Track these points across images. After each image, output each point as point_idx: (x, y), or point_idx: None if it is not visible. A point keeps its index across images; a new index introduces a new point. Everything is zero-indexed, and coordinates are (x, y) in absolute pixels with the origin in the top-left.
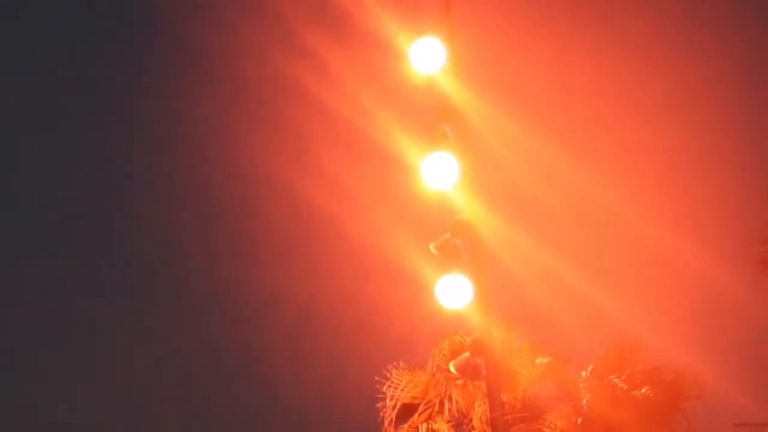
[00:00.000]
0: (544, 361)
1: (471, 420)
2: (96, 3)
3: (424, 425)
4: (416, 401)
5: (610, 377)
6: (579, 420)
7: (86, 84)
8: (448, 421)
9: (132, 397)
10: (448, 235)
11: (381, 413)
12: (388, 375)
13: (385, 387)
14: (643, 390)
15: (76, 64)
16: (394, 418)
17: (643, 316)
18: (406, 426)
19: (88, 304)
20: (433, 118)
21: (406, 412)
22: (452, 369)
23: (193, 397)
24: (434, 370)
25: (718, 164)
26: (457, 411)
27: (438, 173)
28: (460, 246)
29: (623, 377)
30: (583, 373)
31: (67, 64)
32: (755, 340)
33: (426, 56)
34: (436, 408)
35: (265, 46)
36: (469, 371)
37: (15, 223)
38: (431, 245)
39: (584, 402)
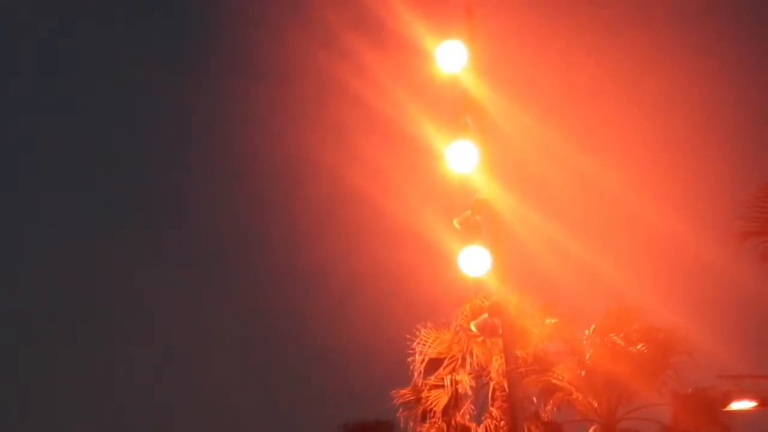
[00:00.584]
0: (553, 321)
1: (489, 372)
2: (173, 16)
3: (449, 377)
4: (441, 356)
5: (610, 335)
6: (583, 372)
7: (171, 83)
8: (469, 374)
9: (199, 355)
10: (469, 212)
11: (411, 366)
12: (418, 333)
13: (415, 344)
14: (639, 346)
15: (164, 66)
16: (422, 371)
17: (639, 282)
18: (432, 378)
19: (161, 273)
20: (456, 110)
21: (433, 365)
22: (473, 328)
23: (252, 356)
24: (457, 329)
25: (707, 152)
26: (477, 365)
27: (460, 158)
28: (479, 221)
29: (621, 335)
30: (587, 332)
31: (156, 67)
32: None
33: (450, 57)
34: (459, 362)
35: (311, 48)
36: (487, 330)
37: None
38: (455, 221)
39: (587, 357)
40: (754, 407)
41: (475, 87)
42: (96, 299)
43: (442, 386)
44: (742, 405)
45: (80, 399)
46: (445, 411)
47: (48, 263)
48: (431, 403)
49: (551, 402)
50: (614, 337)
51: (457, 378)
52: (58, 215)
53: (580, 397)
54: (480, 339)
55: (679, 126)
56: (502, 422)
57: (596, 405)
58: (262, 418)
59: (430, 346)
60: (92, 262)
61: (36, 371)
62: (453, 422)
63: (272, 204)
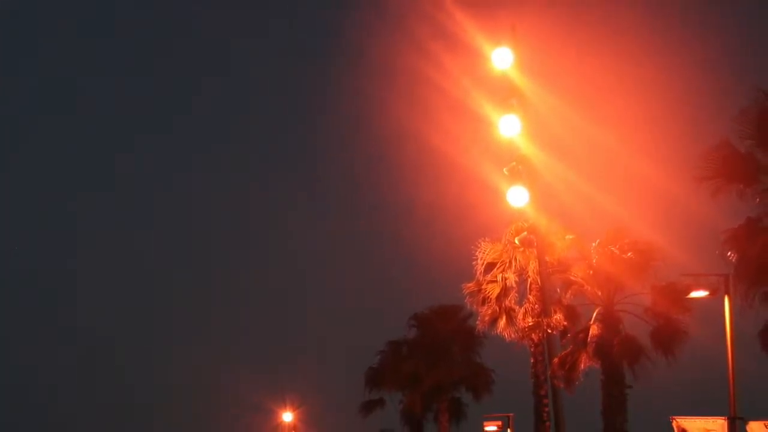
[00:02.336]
0: (570, 237)
1: (527, 272)
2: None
3: (500, 275)
4: (495, 261)
5: (609, 247)
6: (591, 272)
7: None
8: (514, 273)
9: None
10: (514, 163)
11: (475, 267)
12: (479, 245)
13: (477, 252)
14: (628, 254)
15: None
16: (482, 271)
17: (629, 210)
18: (489, 275)
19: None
20: (505, 95)
21: (489, 267)
22: (516, 242)
23: (366, 270)
24: (506, 242)
25: (680, 121)
26: (519, 267)
27: (508, 127)
28: (521, 169)
29: (617, 247)
30: (593, 244)
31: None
32: None
33: (501, 58)
34: (507, 265)
35: (408, 52)
36: (526, 243)
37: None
38: (504, 169)
39: (594, 261)
40: (706, 296)
41: (519, 79)
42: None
43: (496, 281)
44: (698, 294)
45: None
46: (498, 298)
47: None
48: (488, 293)
49: (569, 292)
50: (612, 248)
51: (505, 276)
52: None
53: (589, 289)
54: (521, 249)
55: (661, 103)
56: (536, 305)
57: (600, 294)
58: (375, 300)
59: (487, 254)
60: None
61: None
62: (503, 306)
63: (387, 161)
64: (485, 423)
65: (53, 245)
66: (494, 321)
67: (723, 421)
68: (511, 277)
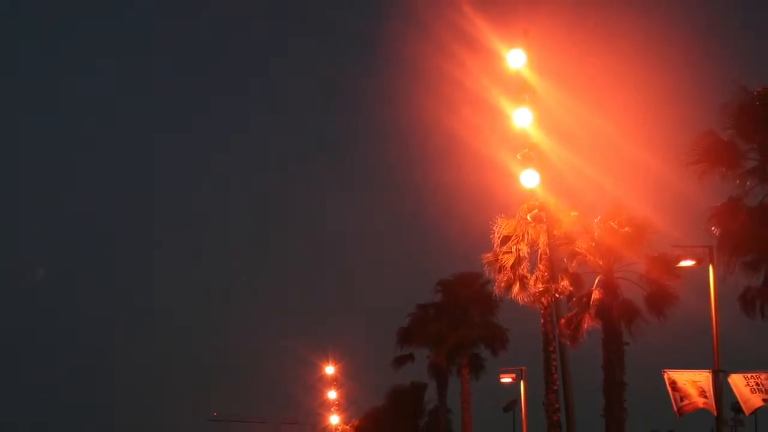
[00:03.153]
0: (575, 213)
1: (538, 244)
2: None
3: (514, 247)
4: (510, 234)
5: (609, 222)
6: (593, 244)
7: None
8: (526, 245)
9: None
10: (526, 150)
11: (492, 240)
12: (496, 221)
13: (494, 226)
14: (626, 228)
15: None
16: (499, 243)
17: (627, 189)
18: (504, 247)
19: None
20: (519, 90)
21: (505, 240)
22: (528, 218)
23: (398, 242)
24: (519, 218)
25: (673, 104)
26: (531, 239)
27: (521, 118)
28: (532, 155)
29: (615, 222)
30: (595, 220)
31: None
32: None
33: (515, 58)
34: (520, 238)
35: (426, 55)
36: (537, 219)
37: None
38: (518, 155)
39: (596, 235)
40: (693, 265)
41: (530, 77)
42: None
43: (510, 252)
44: (686, 263)
45: None
46: (512, 267)
47: None
48: (504, 262)
49: (574, 261)
50: (611, 223)
51: (518, 247)
52: None
53: (591, 259)
54: (532, 225)
55: (654, 98)
56: (545, 273)
57: (601, 263)
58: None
59: (503, 229)
60: None
61: None
62: (516, 273)
63: (416, 149)
64: (501, 375)
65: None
66: (509, 287)
67: (708, 373)
68: (524, 249)
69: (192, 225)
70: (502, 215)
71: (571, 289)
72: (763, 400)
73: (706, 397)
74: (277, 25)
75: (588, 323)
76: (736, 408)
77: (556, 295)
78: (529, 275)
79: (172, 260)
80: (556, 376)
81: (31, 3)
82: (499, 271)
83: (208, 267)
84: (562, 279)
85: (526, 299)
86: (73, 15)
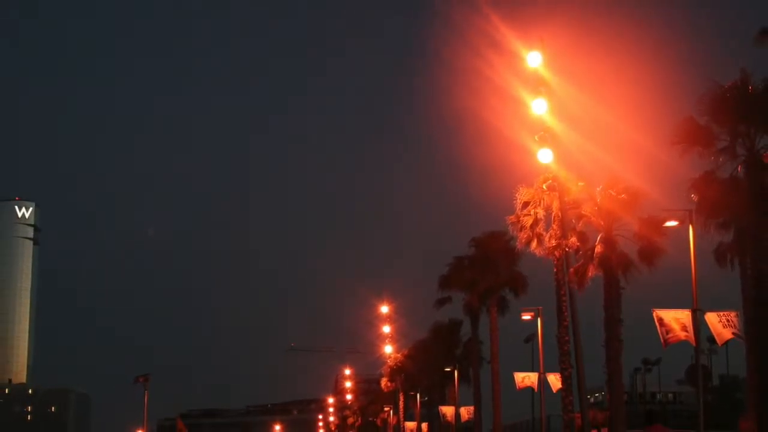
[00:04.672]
0: (581, 184)
1: (552, 208)
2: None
3: (533, 210)
4: (529, 200)
5: (608, 190)
6: (596, 208)
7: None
8: (542, 209)
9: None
10: (542, 132)
11: (514, 203)
12: (518, 190)
13: (517, 194)
14: (622, 196)
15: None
16: (520, 207)
17: (623, 163)
18: (524, 211)
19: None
20: (536, 84)
21: (525, 204)
22: (544, 187)
23: (441, 208)
24: (537, 187)
25: (661, 96)
26: (546, 204)
27: (538, 107)
28: (547, 137)
29: (614, 190)
30: (597, 189)
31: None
32: None
33: (533, 59)
34: (537, 203)
35: (462, 56)
36: (551, 188)
37: None
38: (535, 137)
39: (598, 201)
40: (676, 225)
41: (545, 73)
42: None
43: (529, 215)
44: (671, 223)
45: None
46: (531, 226)
47: None
48: (524, 223)
49: (581, 222)
50: (611, 191)
51: (536, 211)
52: None
53: (594, 220)
54: (547, 192)
55: (647, 90)
56: (558, 232)
57: (602, 223)
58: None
59: (523, 196)
60: None
61: None
62: (534, 232)
63: (454, 132)
64: (522, 313)
65: None
66: (528, 243)
67: (688, 312)
68: (540, 212)
69: (280, 192)
70: (523, 185)
71: (578, 244)
72: (733, 333)
73: (686, 331)
74: (353, 44)
75: (592, 272)
76: (711, 340)
77: (566, 249)
78: (544, 233)
79: (263, 222)
80: (566, 314)
81: None
82: (521, 230)
83: (293, 221)
84: (571, 236)
85: (542, 252)
86: None
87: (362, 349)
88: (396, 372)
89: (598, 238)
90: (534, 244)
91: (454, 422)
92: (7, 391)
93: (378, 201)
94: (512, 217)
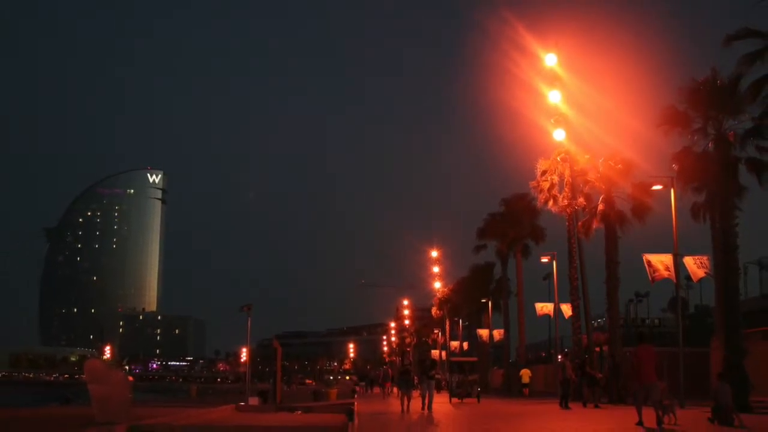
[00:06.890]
0: (587, 156)
1: (564, 175)
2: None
3: (549, 177)
4: (546, 169)
5: (609, 162)
6: (599, 175)
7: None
8: (557, 175)
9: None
10: (557, 116)
11: (536, 172)
12: (538, 161)
13: (537, 164)
14: (619, 166)
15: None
16: (539, 174)
17: (620, 141)
18: (543, 177)
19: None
20: (552, 80)
21: (543, 173)
22: (558, 159)
23: (478, 174)
24: (552, 159)
25: (651, 87)
26: (560, 172)
27: (554, 97)
28: (561, 120)
29: (613, 162)
30: (600, 160)
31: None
32: None
33: (549, 59)
34: (553, 171)
35: (493, 56)
36: (563, 160)
37: None
38: (551, 120)
39: (600, 170)
40: (661, 188)
41: (559, 70)
42: None
43: (547, 180)
44: (657, 187)
45: None
46: (548, 189)
47: None
48: (543, 186)
49: (587, 186)
50: (610, 162)
51: (552, 177)
52: None
53: (598, 185)
54: (561, 163)
55: (639, 83)
56: (569, 194)
57: (603, 187)
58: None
59: (542, 165)
60: None
61: None
62: (551, 194)
63: (488, 116)
64: (541, 257)
65: None
66: (546, 202)
67: (670, 256)
68: (555, 178)
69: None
70: (542, 157)
71: (585, 203)
72: (705, 272)
73: (669, 270)
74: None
75: (595, 225)
76: (688, 278)
77: (576, 207)
78: (558, 195)
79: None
80: (575, 258)
81: None
82: (540, 192)
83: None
84: (579, 197)
85: (556, 210)
86: None
87: (416, 285)
88: (443, 302)
89: (600, 198)
90: (550, 203)
91: (488, 341)
92: (141, 317)
93: (428, 171)
94: (533, 183)
